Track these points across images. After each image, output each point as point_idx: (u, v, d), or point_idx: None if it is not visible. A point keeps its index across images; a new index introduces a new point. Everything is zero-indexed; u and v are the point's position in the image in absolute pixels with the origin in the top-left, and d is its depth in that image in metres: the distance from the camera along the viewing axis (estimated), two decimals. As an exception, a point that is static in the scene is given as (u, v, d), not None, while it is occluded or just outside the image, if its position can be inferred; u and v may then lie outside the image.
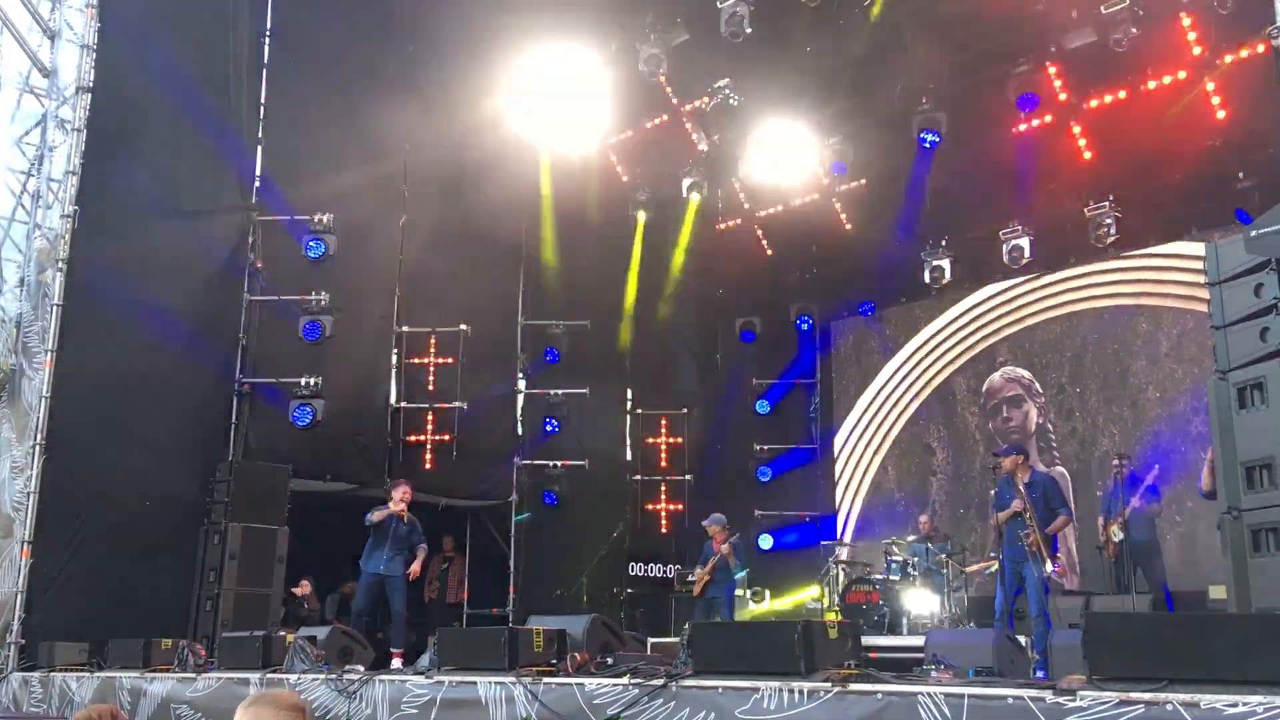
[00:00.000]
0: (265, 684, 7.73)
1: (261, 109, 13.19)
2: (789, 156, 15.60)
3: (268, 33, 13.31)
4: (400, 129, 14.20)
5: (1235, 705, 3.65)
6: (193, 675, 8.46)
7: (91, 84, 11.83)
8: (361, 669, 7.54)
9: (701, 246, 17.05)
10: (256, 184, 13.04)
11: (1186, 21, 12.28)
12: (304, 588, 12.84)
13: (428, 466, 13.85)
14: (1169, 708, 3.77)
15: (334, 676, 7.27)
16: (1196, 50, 12.39)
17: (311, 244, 12.68)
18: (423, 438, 13.89)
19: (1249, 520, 6.30)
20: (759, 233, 17.37)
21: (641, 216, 16.14)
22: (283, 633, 8.67)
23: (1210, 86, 12.57)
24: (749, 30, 12.64)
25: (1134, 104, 13.13)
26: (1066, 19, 12.71)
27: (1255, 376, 6.39)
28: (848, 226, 16.68)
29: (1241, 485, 6.39)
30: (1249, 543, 6.28)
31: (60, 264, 11.40)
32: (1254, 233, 6.40)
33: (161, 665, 9.01)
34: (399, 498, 11.38)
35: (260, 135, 13.13)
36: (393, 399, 13.98)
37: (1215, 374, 6.70)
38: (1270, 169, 12.28)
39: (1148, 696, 3.86)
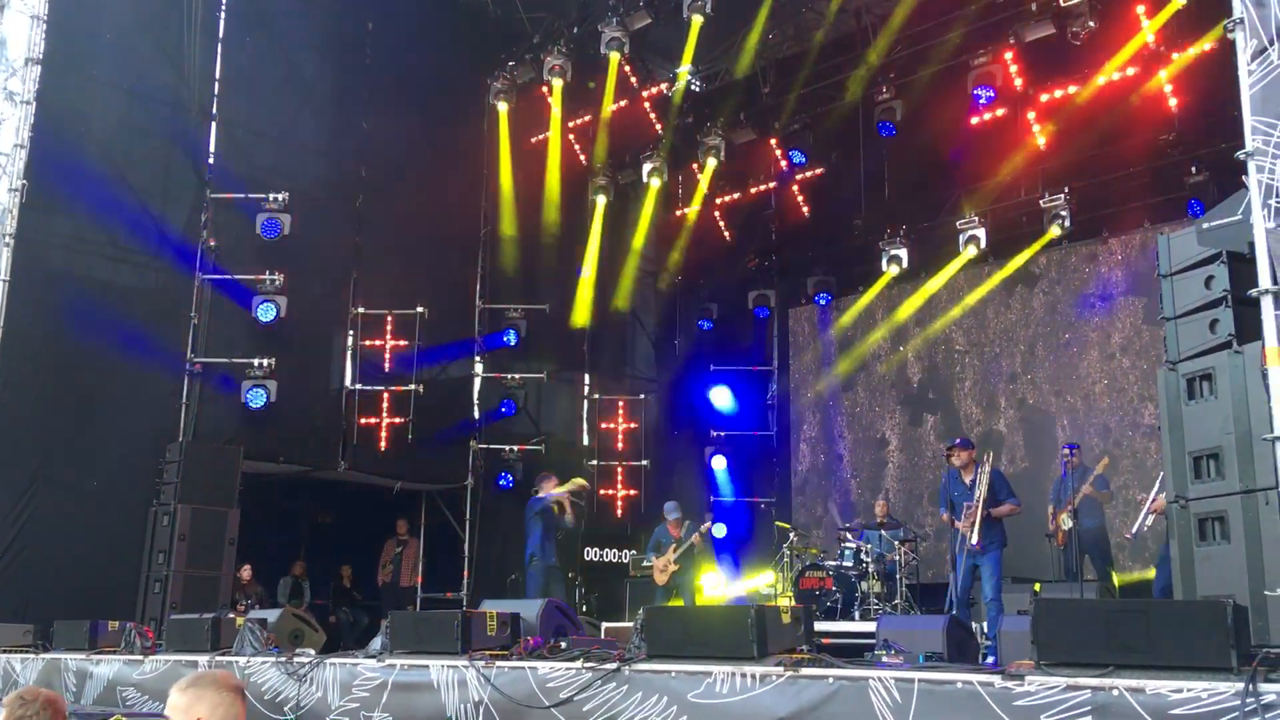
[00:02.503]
0: (214, 666, 7.64)
1: (216, 84, 13.00)
2: (749, 143, 15.62)
3: (223, 7, 13.10)
4: (358, 108, 14.06)
5: (1180, 690, 3.71)
6: (140, 657, 8.36)
7: (41, 56, 11.60)
8: (312, 652, 7.47)
9: (661, 232, 17.03)
10: (210, 160, 12.85)
11: (1143, 14, 12.39)
12: (245, 573, 12.66)
13: (382, 449, 13.76)
14: (1115, 693, 3.82)
15: (284, 659, 7.21)
16: (1152, 44, 12.51)
17: (266, 223, 12.53)
18: (377, 420, 13.79)
19: (1195, 509, 6.40)
20: (718, 219, 17.38)
21: (601, 200, 16.07)
22: (232, 615, 8.58)
23: (1164, 80, 12.71)
24: (710, 14, 12.63)
25: (1089, 96, 13.26)
26: (1025, 11, 12.79)
27: (1204, 368, 6.48)
28: (806, 214, 16.73)
29: (1189, 475, 6.49)
30: (1195, 532, 6.38)
31: (7, 239, 11.19)
32: (1205, 225, 6.49)
33: (108, 647, 8.90)
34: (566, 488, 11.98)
35: (215, 111, 12.94)
36: (347, 381, 13.86)
37: (1165, 365, 6.79)
38: (1223, 163, 12.44)
39: (1094, 682, 3.91)
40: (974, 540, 9.84)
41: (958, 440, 10.89)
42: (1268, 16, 4.84)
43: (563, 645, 6.40)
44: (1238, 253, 6.18)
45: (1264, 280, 4.71)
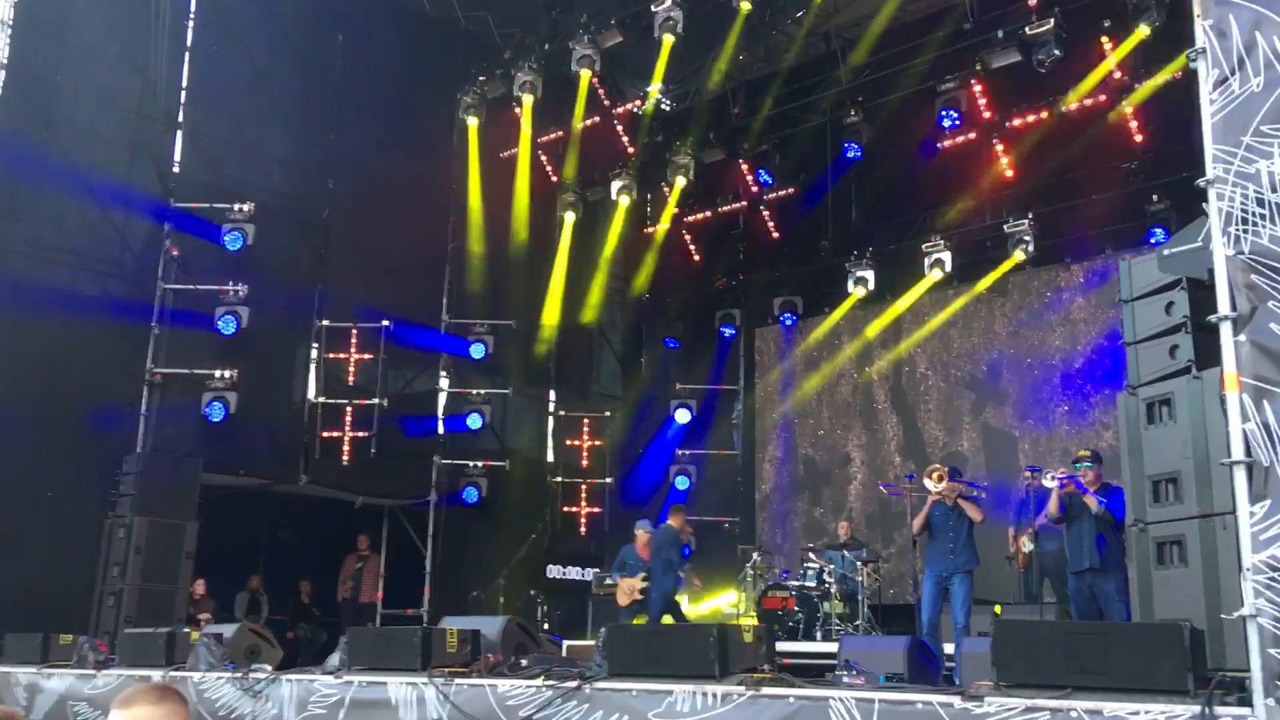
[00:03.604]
0: (168, 682, 7.52)
1: (182, 94, 12.90)
2: (718, 163, 15.69)
3: (191, 16, 13.02)
4: (326, 120, 14.01)
5: (1137, 713, 3.74)
6: (92, 672, 8.23)
7: (7, 61, 11.50)
8: (269, 668, 7.38)
9: (629, 250, 17.05)
10: (175, 170, 12.75)
11: (1107, 44, 12.59)
12: (198, 588, 12.45)
13: (345, 463, 13.65)
14: (1073, 714, 3.84)
15: (239, 675, 7.11)
16: (1116, 73, 12.70)
17: (230, 234, 12.43)
18: (340, 434, 13.68)
19: (1154, 533, 6.46)
20: (686, 238, 17.43)
21: (570, 217, 16.07)
22: (187, 629, 8.46)
23: (1128, 108, 12.91)
24: (681, 34, 12.69)
25: (1054, 124, 13.44)
26: (992, 39, 12.96)
27: (1164, 392, 6.55)
28: (774, 234, 16.81)
29: (1147, 499, 6.55)
30: (1153, 555, 6.44)
31: (-35, 244, 11.04)
32: (1166, 252, 6.57)
33: (60, 661, 8.75)
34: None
35: (180, 120, 12.84)
36: (311, 394, 13.75)
37: (1126, 389, 6.85)
38: (1185, 192, 12.63)
39: (1053, 703, 3.93)
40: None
41: (949, 468, 10.61)
42: (1230, 47, 4.91)
43: (523, 663, 6.36)
44: (1198, 279, 6.26)
45: (1223, 306, 4.75)
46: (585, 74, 13.99)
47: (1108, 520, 8.42)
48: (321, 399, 13.74)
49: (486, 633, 7.09)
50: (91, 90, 12.10)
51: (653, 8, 12.78)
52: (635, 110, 15.67)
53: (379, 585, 14.43)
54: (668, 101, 15.00)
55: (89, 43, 12.15)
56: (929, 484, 9.98)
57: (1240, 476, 4.57)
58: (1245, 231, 4.72)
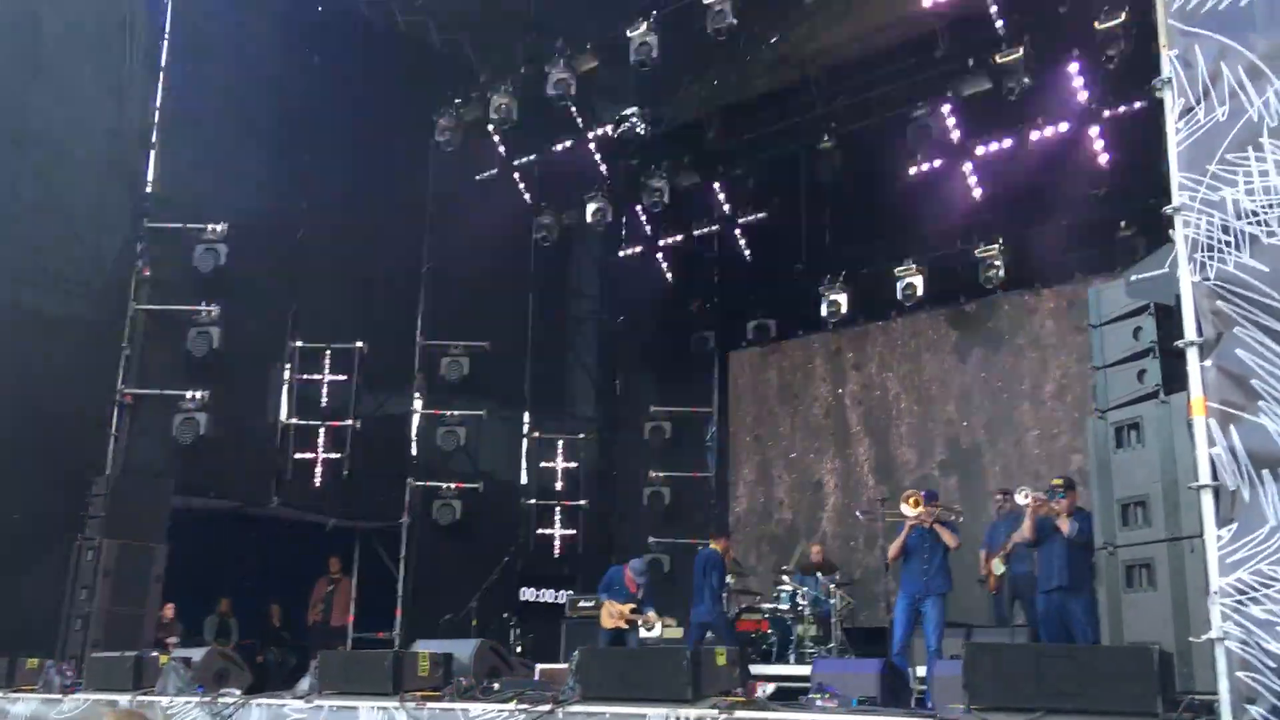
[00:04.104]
0: (136, 706, 7.44)
1: (156, 114, 12.85)
2: (693, 186, 15.77)
3: (166, 36, 12.98)
4: (301, 141, 13.97)
5: (1107, 735, 3.76)
6: (59, 696, 8.12)
7: (-24, 79, 11.41)
8: (238, 692, 7.31)
9: (603, 272, 17.07)
10: (148, 189, 12.68)
11: (1075, 72, 12.76)
12: (168, 612, 12.29)
13: (317, 485, 13.56)
14: (1044, 737, 3.86)
15: (208, 700, 7.04)
16: (1084, 102, 12.88)
17: (203, 254, 12.36)
18: (313, 455, 13.59)
19: (1123, 556, 6.52)
20: (661, 261, 17.48)
21: (545, 240, 16.07)
22: (156, 653, 8.37)
23: (1096, 136, 13.11)
24: (656, 58, 12.77)
25: (1023, 150, 13.61)
26: (963, 67, 13.12)
27: (1132, 417, 6.63)
28: (748, 258, 16.88)
29: (1117, 522, 6.61)
30: (1123, 578, 6.49)
31: (-66, 263, 10.93)
32: (1134, 277, 6.66)
33: (26, 685, 8.64)
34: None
35: (154, 140, 12.78)
36: (283, 415, 13.66)
37: (1095, 413, 6.92)
38: (1151, 219, 12.79)
39: (1024, 726, 3.95)
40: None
41: (926, 492, 10.62)
42: (1195, 77, 5.01)
43: (496, 686, 6.33)
44: (1165, 305, 6.35)
45: (1189, 332, 4.83)
46: (561, 98, 14.01)
47: (1078, 542, 8.50)
48: (294, 420, 13.65)
49: (459, 656, 7.06)
50: (64, 110, 12.03)
51: (628, 33, 12.87)
52: (610, 134, 15.72)
53: (350, 608, 14.31)
54: (643, 125, 15.07)
55: (61, 62, 12.09)
56: (906, 509, 10.03)
57: (1207, 500, 4.63)
58: (1211, 258, 4.80)
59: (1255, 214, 4.71)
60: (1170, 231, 5.10)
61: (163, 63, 12.94)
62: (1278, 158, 4.69)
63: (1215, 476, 4.61)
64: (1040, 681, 4.29)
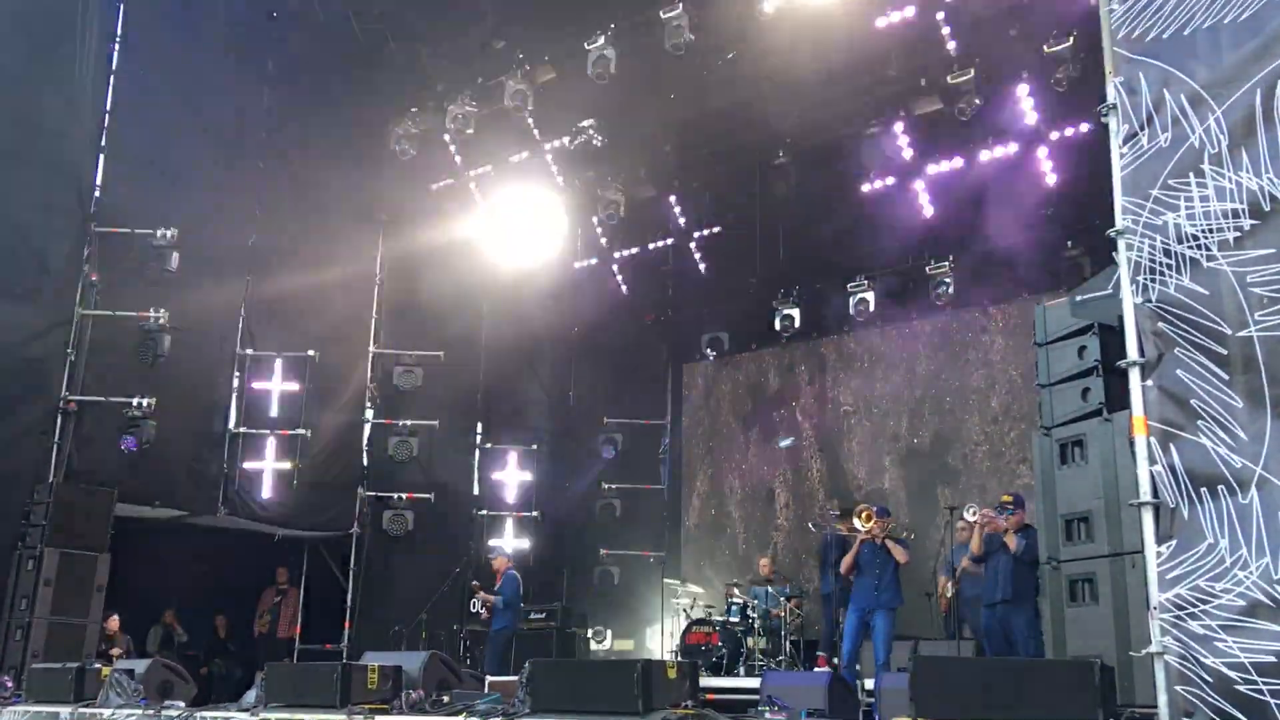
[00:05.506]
0: (77, 718, 7.32)
1: (107, 117, 12.67)
2: (648, 199, 15.82)
3: (117, 38, 12.81)
4: (255, 146, 13.85)
5: (1048, 747, 3.82)
6: (-4, 709, 7.96)
7: (-79, 78, 11.20)
8: (182, 705, 7.21)
9: (558, 284, 17.07)
10: (96, 194, 12.48)
11: (1025, 95, 12.99)
12: (112, 624, 12.04)
13: (266, 495, 13.42)
14: (988, 749, 3.92)
15: (152, 712, 6.95)
16: (1033, 124, 13.11)
17: (153, 259, 12.19)
18: (262, 464, 13.45)
19: (1067, 571, 6.63)
20: (616, 273, 17.52)
21: (501, 250, 16.03)
22: (98, 665, 8.24)
23: (1044, 157, 13.35)
24: (614, 72, 12.84)
25: (974, 169, 13.83)
26: (916, 87, 13.32)
27: (1076, 434, 6.76)
28: (702, 271, 16.97)
29: (1060, 538, 6.73)
30: (1066, 593, 6.61)
31: (-127, 265, 10.70)
32: (1079, 298, 6.80)
33: (-38, 698, 8.44)
34: None
35: (104, 143, 12.60)
36: (232, 424, 13.51)
37: (1040, 430, 7.05)
38: (1098, 240, 13.03)
39: (969, 738, 4.00)
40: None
41: (878, 508, 10.68)
42: (1139, 103, 5.14)
43: (445, 699, 6.31)
44: (1109, 325, 6.49)
45: (1132, 352, 4.94)
46: (518, 109, 14.02)
47: (1024, 559, 8.64)
48: (243, 429, 13.51)
49: (408, 669, 7.02)
50: (11, 110, 11.83)
51: (586, 46, 12.93)
52: (567, 145, 15.73)
53: (297, 619, 14.16)
54: (599, 137, 15.10)
55: (9, 62, 11.89)
56: (858, 523, 10.16)
57: (1148, 517, 4.74)
58: (1153, 280, 4.92)
59: (1196, 238, 4.83)
60: (1114, 254, 5.22)
61: (114, 66, 12.76)
62: (1218, 184, 4.81)
63: (1156, 494, 4.71)
64: (985, 693, 4.36)
